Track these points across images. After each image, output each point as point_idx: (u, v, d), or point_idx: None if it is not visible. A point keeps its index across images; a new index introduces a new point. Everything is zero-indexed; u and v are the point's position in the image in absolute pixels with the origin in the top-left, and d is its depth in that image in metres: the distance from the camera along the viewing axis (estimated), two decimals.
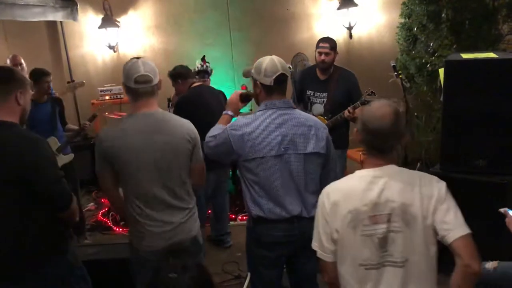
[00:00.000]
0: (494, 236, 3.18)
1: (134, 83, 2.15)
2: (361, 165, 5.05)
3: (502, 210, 2.47)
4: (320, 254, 1.83)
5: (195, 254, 2.39)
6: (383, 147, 1.73)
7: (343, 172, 4.38)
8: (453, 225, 1.66)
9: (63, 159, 4.04)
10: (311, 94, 4.02)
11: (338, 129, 3.94)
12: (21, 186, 1.96)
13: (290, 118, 2.30)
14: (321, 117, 3.96)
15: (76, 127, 4.49)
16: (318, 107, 3.99)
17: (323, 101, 3.97)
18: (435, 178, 1.76)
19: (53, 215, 2.10)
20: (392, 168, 1.74)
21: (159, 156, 2.18)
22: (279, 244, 2.35)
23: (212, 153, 2.39)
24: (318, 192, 2.37)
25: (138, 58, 2.24)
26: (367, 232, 1.69)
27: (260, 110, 2.34)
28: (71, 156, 4.20)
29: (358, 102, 3.65)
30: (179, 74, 4.22)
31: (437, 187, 1.72)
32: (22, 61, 4.77)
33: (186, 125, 2.30)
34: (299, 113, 2.40)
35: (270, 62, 2.28)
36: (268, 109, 2.31)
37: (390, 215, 1.67)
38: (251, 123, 2.28)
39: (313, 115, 3.98)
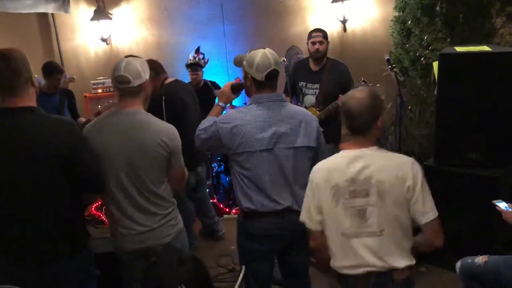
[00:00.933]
0: (485, 229, 3.22)
1: (115, 82, 2.19)
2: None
3: (495, 202, 2.49)
4: (308, 223, 2.03)
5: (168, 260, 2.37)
6: (360, 127, 1.91)
7: None
8: (424, 209, 1.86)
9: None
10: (303, 85, 4.04)
11: (330, 123, 3.95)
12: (62, 168, 1.97)
13: (281, 112, 2.29)
14: (312, 108, 3.98)
15: (85, 120, 4.45)
16: (310, 98, 4.02)
17: (315, 92, 3.98)
18: (411, 161, 1.92)
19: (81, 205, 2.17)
20: (372, 149, 1.92)
21: (131, 157, 2.17)
22: (270, 237, 2.35)
23: (202, 145, 2.39)
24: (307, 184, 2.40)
25: (130, 56, 2.26)
26: (347, 204, 1.90)
27: (250, 104, 2.34)
28: None
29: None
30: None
31: (413, 170, 1.87)
32: None
33: (163, 130, 2.24)
34: (290, 106, 2.39)
35: (263, 57, 2.25)
36: (259, 103, 2.30)
37: (368, 190, 1.87)
38: (241, 117, 2.28)
39: (305, 106, 4.01)
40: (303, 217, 2.06)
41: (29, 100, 1.99)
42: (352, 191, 1.88)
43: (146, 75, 2.23)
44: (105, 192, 2.24)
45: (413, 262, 1.92)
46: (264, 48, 2.33)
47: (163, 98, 3.26)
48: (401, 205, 1.87)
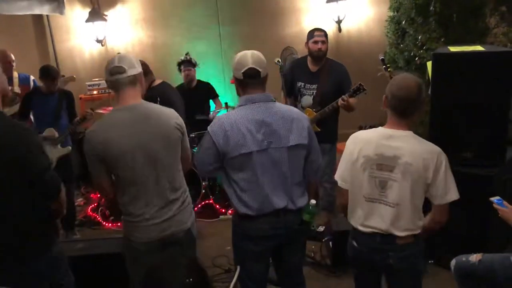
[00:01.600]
0: (480, 228, 3.23)
1: (109, 75, 2.21)
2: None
3: (492, 199, 2.52)
4: (340, 183, 2.33)
5: (188, 246, 2.39)
6: (405, 111, 2.13)
7: (333, 166, 4.40)
8: (443, 192, 2.11)
9: (59, 151, 4.09)
10: (302, 86, 4.04)
11: (327, 123, 3.98)
12: (16, 173, 1.94)
13: (271, 111, 2.30)
14: (309, 109, 3.98)
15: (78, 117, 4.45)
16: (307, 99, 4.02)
17: (313, 93, 3.99)
18: (439, 150, 2.13)
19: (42, 207, 2.08)
20: (407, 133, 2.15)
21: (151, 147, 2.19)
22: (265, 238, 2.35)
23: (204, 167, 2.38)
24: (303, 183, 2.41)
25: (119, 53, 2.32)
26: (372, 174, 2.17)
27: (240, 106, 2.34)
28: (68, 149, 4.22)
29: (346, 95, 3.71)
30: None
31: (438, 158, 2.10)
32: (13, 57, 4.72)
33: (172, 114, 2.32)
34: (280, 106, 2.39)
35: (242, 56, 2.29)
36: (248, 104, 2.31)
37: (393, 167, 2.12)
38: (231, 119, 2.28)
39: (302, 107, 4.03)
40: (336, 177, 2.34)
41: None
42: (380, 164, 2.15)
43: (139, 67, 2.28)
44: (119, 190, 2.25)
45: (416, 232, 2.19)
46: (258, 50, 2.35)
47: (158, 99, 3.27)
48: (419, 186, 2.11)
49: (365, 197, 2.22)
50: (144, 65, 3.46)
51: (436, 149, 2.14)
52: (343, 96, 3.73)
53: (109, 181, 2.28)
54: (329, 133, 4.02)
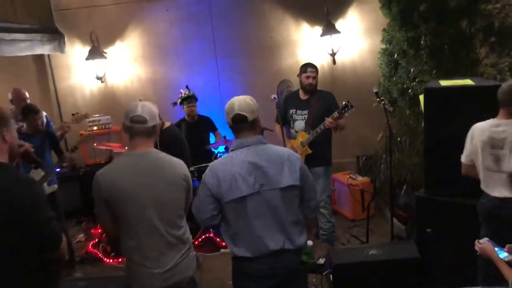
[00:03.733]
0: (477, 258, 3.23)
1: (130, 122, 2.27)
2: (348, 188, 5.12)
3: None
4: (462, 158, 3.08)
5: None
6: (507, 102, 2.87)
7: (329, 189, 4.46)
8: None
9: (47, 190, 4.09)
10: (294, 112, 4.33)
11: (320, 145, 4.17)
12: (13, 229, 1.94)
13: (262, 154, 2.35)
14: (302, 132, 4.23)
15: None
16: (300, 123, 4.29)
17: (304, 117, 4.26)
18: None
19: (41, 257, 2.08)
20: (510, 121, 2.89)
21: (158, 195, 2.25)
22: (264, 277, 2.36)
23: (199, 211, 2.41)
24: (300, 221, 2.43)
25: (141, 100, 2.38)
26: (488, 152, 2.92)
27: (232, 150, 2.42)
28: (54, 187, 4.27)
29: (336, 112, 3.94)
30: None
31: None
32: (27, 94, 4.86)
33: (182, 165, 2.39)
34: (271, 148, 2.44)
35: (229, 103, 2.40)
36: (239, 148, 2.38)
37: (503, 146, 2.88)
38: (222, 163, 2.37)
39: (295, 131, 4.28)
40: (462, 158, 3.08)
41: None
42: (493, 144, 2.90)
43: (157, 118, 2.37)
44: (124, 238, 2.28)
45: None
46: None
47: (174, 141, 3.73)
48: None
49: (486, 169, 2.94)
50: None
51: None
52: (332, 115, 3.95)
53: (113, 221, 2.30)
54: (322, 156, 4.23)
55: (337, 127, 4.05)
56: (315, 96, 4.25)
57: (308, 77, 4.22)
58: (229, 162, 2.35)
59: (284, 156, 2.39)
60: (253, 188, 2.30)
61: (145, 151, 2.30)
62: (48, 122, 4.90)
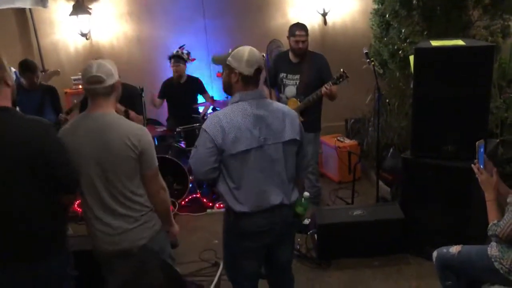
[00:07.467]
0: (460, 220, 3.29)
1: (86, 84, 2.20)
2: (336, 150, 5.12)
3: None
4: None
5: (148, 259, 2.37)
6: None
7: (317, 155, 4.47)
8: None
9: None
10: (284, 77, 4.14)
11: (311, 112, 4.07)
12: (36, 169, 1.96)
13: (265, 108, 2.31)
14: (293, 98, 4.09)
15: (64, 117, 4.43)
16: (291, 89, 4.12)
17: (296, 83, 4.09)
18: None
19: (59, 203, 2.14)
20: None
21: (100, 160, 2.19)
22: (262, 233, 2.35)
23: (200, 164, 2.29)
24: (294, 178, 2.42)
25: (97, 59, 2.28)
26: None
27: (235, 102, 2.31)
28: None
29: (330, 82, 3.82)
30: None
31: None
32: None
33: (131, 131, 2.22)
34: (272, 102, 2.42)
35: (252, 52, 2.27)
36: (243, 100, 2.29)
37: None
38: (228, 116, 2.25)
39: (286, 97, 4.13)
40: None
41: (3, 99, 1.97)
42: None
43: (116, 75, 2.26)
44: (80, 195, 2.26)
45: None
46: (244, 43, 2.36)
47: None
48: None
49: None
50: None
51: None
52: (325, 85, 3.83)
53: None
54: (312, 122, 4.12)
55: (332, 96, 3.91)
56: (307, 59, 4.07)
57: (297, 42, 3.99)
58: (234, 113, 2.25)
59: (284, 110, 2.37)
60: (258, 141, 2.25)
61: (99, 113, 2.22)
62: (17, 78, 4.74)
